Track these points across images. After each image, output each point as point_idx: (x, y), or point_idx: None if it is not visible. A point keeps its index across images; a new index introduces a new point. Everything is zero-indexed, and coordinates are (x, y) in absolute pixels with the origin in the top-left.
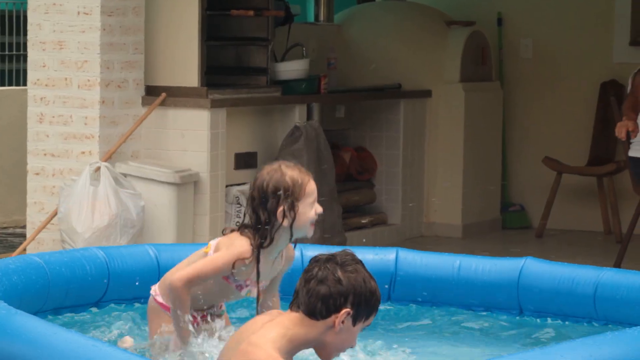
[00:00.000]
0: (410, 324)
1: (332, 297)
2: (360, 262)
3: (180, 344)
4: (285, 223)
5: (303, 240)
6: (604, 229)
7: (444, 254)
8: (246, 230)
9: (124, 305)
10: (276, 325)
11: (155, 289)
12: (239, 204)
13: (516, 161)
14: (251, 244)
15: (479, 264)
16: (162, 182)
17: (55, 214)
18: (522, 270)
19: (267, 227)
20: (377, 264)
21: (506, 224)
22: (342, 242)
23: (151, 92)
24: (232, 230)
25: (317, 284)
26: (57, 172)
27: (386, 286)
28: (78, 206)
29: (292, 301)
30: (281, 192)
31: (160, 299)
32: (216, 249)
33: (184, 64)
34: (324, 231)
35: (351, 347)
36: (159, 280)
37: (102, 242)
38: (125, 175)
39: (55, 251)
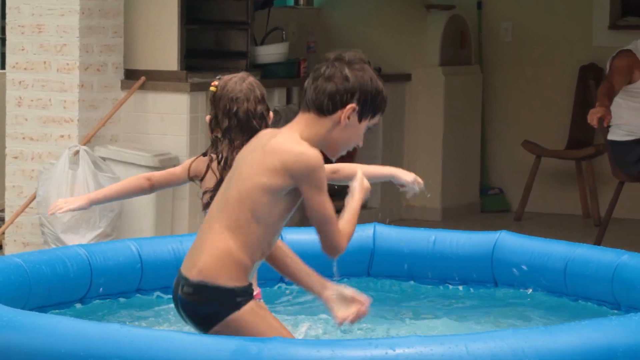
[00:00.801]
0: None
1: (338, 93)
2: (368, 62)
3: None
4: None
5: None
6: (583, 212)
7: (419, 228)
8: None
9: (108, 300)
10: (290, 130)
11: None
12: None
13: (495, 145)
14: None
15: (453, 238)
16: (142, 166)
17: (33, 197)
18: (497, 244)
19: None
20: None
21: (485, 207)
22: None
23: (130, 75)
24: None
25: (325, 81)
26: (36, 156)
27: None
28: (57, 190)
29: (300, 102)
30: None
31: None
32: None
33: (164, 48)
34: (303, 214)
35: (357, 145)
36: (142, 274)
37: (81, 226)
38: (104, 159)
39: (35, 251)
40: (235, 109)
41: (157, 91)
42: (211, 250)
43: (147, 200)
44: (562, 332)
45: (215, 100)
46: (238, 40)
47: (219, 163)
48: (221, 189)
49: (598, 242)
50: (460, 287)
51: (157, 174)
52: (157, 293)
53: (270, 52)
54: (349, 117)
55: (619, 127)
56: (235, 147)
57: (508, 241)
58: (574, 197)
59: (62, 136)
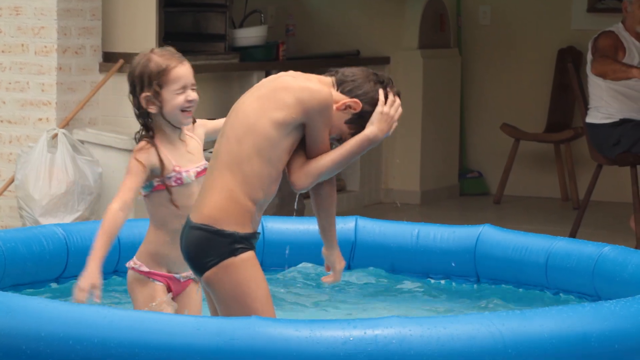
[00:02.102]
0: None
1: (361, 88)
2: (399, 94)
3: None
4: (153, 110)
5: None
6: (562, 195)
7: (402, 222)
8: (136, 138)
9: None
10: (300, 73)
11: (134, 262)
12: None
13: (474, 128)
14: (144, 140)
15: (437, 232)
16: (120, 149)
17: (12, 181)
18: (479, 238)
19: (140, 113)
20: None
21: (464, 191)
22: (301, 210)
23: (109, 58)
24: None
25: (361, 72)
26: (14, 139)
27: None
28: (35, 173)
29: (333, 70)
30: (145, 78)
31: (145, 269)
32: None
33: (142, 30)
34: (282, 199)
35: (337, 140)
36: (119, 254)
37: (60, 209)
38: (82, 142)
39: (11, 229)
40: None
41: None
42: (214, 195)
43: None
44: (538, 316)
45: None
46: (216, 22)
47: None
48: (219, 137)
49: (576, 225)
50: (443, 282)
51: (128, 200)
52: None
53: (249, 35)
54: (345, 107)
55: (598, 110)
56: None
57: (491, 235)
58: (553, 180)
59: (40, 119)
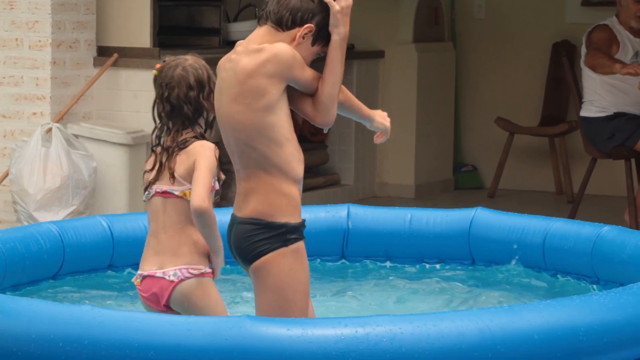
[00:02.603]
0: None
1: (301, 10)
2: None
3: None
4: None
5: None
6: (556, 189)
7: (395, 207)
8: (185, 132)
9: (80, 277)
10: (247, 44)
11: (195, 268)
12: None
13: (469, 122)
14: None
15: (430, 216)
16: (114, 143)
17: (6, 175)
18: (473, 221)
19: (203, 113)
20: (328, 221)
21: (458, 185)
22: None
23: (103, 52)
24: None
25: (289, 3)
26: (8, 134)
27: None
28: (30, 168)
29: (261, 15)
30: (210, 83)
31: (206, 270)
32: (184, 177)
33: (136, 25)
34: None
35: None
36: (113, 250)
37: (54, 204)
38: (77, 136)
39: (8, 228)
40: (167, 94)
41: (130, 68)
42: (258, 194)
43: (121, 177)
44: (526, 311)
45: (155, 85)
46: (211, 16)
47: (162, 148)
48: (231, 155)
49: (571, 219)
50: (438, 266)
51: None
52: (129, 270)
53: (243, 29)
54: (303, 37)
55: (592, 104)
56: (173, 133)
57: (484, 217)
58: (547, 174)
59: (34, 113)
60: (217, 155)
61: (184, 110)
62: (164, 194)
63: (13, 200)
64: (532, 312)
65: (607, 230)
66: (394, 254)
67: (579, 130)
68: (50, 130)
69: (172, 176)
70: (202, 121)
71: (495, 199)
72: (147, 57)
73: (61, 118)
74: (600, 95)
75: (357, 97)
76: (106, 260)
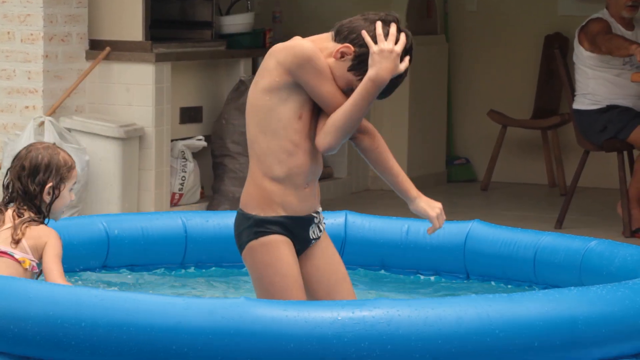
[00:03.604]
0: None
1: (356, 32)
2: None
3: None
4: (47, 200)
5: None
6: (549, 181)
7: (392, 217)
8: (32, 218)
9: (75, 275)
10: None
11: None
12: (184, 158)
13: (461, 115)
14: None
15: (426, 228)
16: (107, 137)
17: None
18: (469, 234)
19: (36, 199)
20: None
21: (451, 178)
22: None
23: (95, 46)
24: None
25: (362, 17)
26: (1, 127)
27: None
28: None
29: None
30: (53, 169)
31: None
32: (31, 249)
33: (129, 18)
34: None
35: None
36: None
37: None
38: (69, 130)
39: None
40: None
41: (122, 61)
42: (247, 182)
43: (113, 171)
44: (525, 299)
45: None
46: (203, 10)
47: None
48: None
49: (564, 211)
50: (432, 278)
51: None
52: (123, 270)
53: (236, 22)
54: (342, 55)
55: (585, 97)
56: (16, 204)
57: (480, 231)
58: (540, 167)
59: (26, 107)
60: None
61: (15, 187)
62: (2, 253)
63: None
64: (531, 300)
65: (596, 244)
66: (389, 264)
67: (572, 122)
68: (42, 123)
69: (17, 242)
70: (38, 205)
71: (488, 191)
72: (140, 51)
73: (53, 112)
74: (593, 89)
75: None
76: (101, 260)
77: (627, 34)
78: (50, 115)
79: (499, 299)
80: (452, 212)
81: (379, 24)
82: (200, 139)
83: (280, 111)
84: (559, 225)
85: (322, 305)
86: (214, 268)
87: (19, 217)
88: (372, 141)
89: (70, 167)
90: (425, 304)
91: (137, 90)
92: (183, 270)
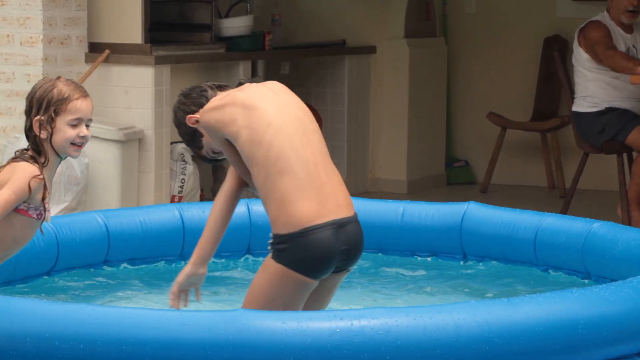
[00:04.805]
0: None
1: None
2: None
3: None
4: (43, 135)
5: (248, 195)
6: (548, 183)
7: (387, 200)
8: (24, 156)
9: (75, 273)
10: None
11: None
12: (184, 161)
13: (461, 117)
14: (34, 163)
15: (422, 210)
16: (107, 140)
17: None
18: (465, 215)
19: (29, 136)
20: None
21: (451, 180)
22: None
23: (95, 49)
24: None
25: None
26: (0, 130)
27: None
28: None
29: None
30: (44, 101)
31: None
32: (1, 182)
33: (128, 21)
34: (217, 178)
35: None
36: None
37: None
38: None
39: None
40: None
41: (122, 64)
42: (343, 188)
43: (113, 174)
44: (525, 304)
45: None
46: (202, 12)
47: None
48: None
49: (563, 214)
50: (429, 259)
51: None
52: (124, 265)
53: (235, 25)
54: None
55: (585, 99)
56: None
57: (476, 212)
58: (539, 169)
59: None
60: (33, 186)
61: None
62: None
63: None
64: (531, 305)
65: (599, 226)
66: (386, 246)
67: (571, 125)
68: None
69: None
70: (34, 145)
71: (487, 194)
72: (139, 54)
73: None
74: (592, 91)
75: (349, 92)
76: (102, 255)
77: (627, 37)
78: None
79: (498, 304)
80: None
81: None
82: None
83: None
84: None
85: (320, 317)
86: (213, 260)
87: (14, 159)
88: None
89: (66, 99)
90: (424, 312)
91: (137, 93)
92: (183, 262)
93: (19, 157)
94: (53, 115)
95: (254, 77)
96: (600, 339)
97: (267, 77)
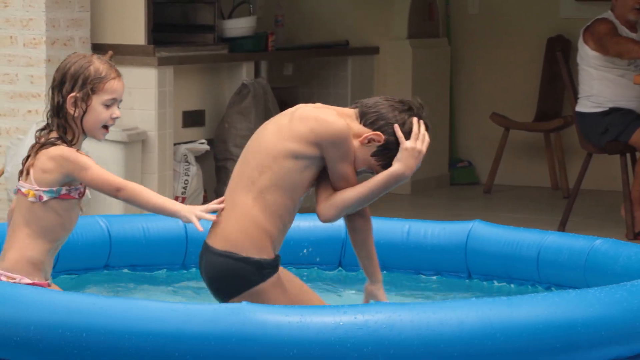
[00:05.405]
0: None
1: (385, 119)
2: (428, 127)
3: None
4: (75, 113)
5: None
6: (552, 184)
7: (393, 218)
8: (51, 140)
9: (76, 276)
10: (326, 106)
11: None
12: (187, 162)
13: (464, 117)
14: (65, 143)
15: (427, 228)
16: (110, 141)
17: (2, 173)
18: (470, 234)
19: (59, 112)
20: (327, 230)
21: (454, 180)
22: None
23: (98, 50)
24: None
25: (387, 102)
26: (4, 132)
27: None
28: None
29: (357, 101)
30: (80, 78)
31: (27, 280)
32: (42, 172)
33: (131, 22)
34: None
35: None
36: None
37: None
38: None
39: (3, 222)
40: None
41: (125, 65)
42: (235, 220)
43: (115, 174)
44: (525, 302)
45: None
46: (205, 13)
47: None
48: (239, 161)
49: (567, 214)
50: (434, 278)
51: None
52: (125, 270)
53: (238, 26)
54: (369, 140)
55: (588, 99)
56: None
57: (481, 230)
58: (543, 169)
59: (29, 111)
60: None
61: (49, 101)
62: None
63: (8, 198)
64: (532, 304)
65: (600, 243)
66: (390, 264)
67: (575, 125)
68: None
69: (27, 172)
70: (63, 122)
71: (491, 194)
72: (142, 55)
73: None
74: (597, 91)
75: (352, 93)
76: (103, 260)
77: (632, 36)
78: None
79: (499, 303)
80: (454, 215)
81: (415, 121)
82: (202, 143)
83: (298, 175)
84: (562, 227)
85: (324, 311)
86: None
87: (37, 141)
88: (364, 223)
89: (104, 78)
90: (427, 308)
91: (140, 94)
92: (185, 271)
93: (47, 143)
94: (90, 93)
95: (257, 79)
96: (599, 338)
97: (271, 78)
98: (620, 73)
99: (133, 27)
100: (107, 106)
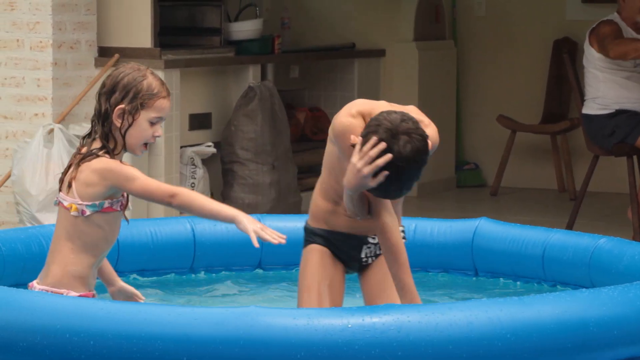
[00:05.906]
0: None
1: (369, 128)
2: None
3: None
4: (119, 125)
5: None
6: (558, 186)
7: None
8: (94, 152)
9: None
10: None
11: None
12: (193, 164)
13: (470, 120)
14: (108, 153)
15: (434, 226)
16: None
17: (8, 176)
18: (476, 232)
19: (104, 120)
20: None
21: (461, 183)
22: (298, 203)
23: (104, 53)
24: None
25: (387, 113)
26: (10, 135)
27: None
28: (32, 169)
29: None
30: (132, 91)
31: (74, 293)
32: (85, 185)
33: (137, 25)
34: (279, 192)
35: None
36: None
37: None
38: (78, 137)
39: (9, 229)
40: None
41: None
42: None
43: None
44: (536, 302)
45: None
46: (212, 16)
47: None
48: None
49: (573, 216)
50: (441, 275)
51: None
52: (134, 275)
53: (244, 29)
54: (353, 145)
55: (594, 101)
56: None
57: (488, 228)
58: (549, 172)
59: (36, 114)
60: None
61: (95, 107)
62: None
63: (15, 201)
64: (542, 303)
65: (605, 242)
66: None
67: (581, 127)
68: (52, 131)
69: (69, 185)
70: (107, 130)
71: (497, 196)
72: (148, 58)
73: (63, 119)
74: (603, 93)
75: (359, 96)
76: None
77: (638, 37)
78: (59, 122)
79: (509, 303)
80: (461, 217)
81: (372, 140)
82: (209, 146)
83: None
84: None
85: (332, 313)
86: (223, 272)
87: (79, 153)
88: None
89: (155, 95)
90: (435, 309)
91: None
92: (193, 275)
93: (89, 154)
94: (139, 107)
95: (263, 82)
96: (611, 338)
97: (277, 81)
98: (626, 75)
99: (139, 30)
100: (152, 124)
